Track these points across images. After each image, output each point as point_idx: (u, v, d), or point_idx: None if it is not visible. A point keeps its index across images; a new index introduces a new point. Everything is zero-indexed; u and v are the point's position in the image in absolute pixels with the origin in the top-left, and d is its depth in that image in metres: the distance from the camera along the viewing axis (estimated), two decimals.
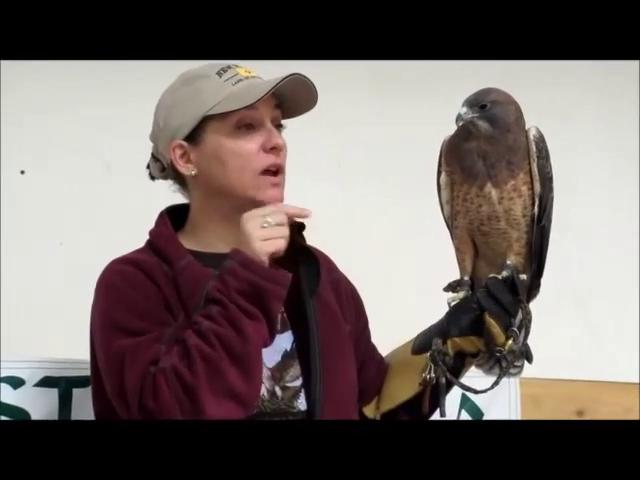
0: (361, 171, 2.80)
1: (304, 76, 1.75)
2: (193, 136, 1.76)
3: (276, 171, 1.76)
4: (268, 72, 1.81)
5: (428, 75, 2.88)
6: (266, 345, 1.65)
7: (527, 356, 1.84)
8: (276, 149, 1.76)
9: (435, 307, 2.46)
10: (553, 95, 2.87)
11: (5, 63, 2.45)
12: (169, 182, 1.86)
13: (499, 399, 2.58)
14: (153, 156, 1.85)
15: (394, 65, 2.77)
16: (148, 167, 1.88)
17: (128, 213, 2.55)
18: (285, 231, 1.66)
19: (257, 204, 1.74)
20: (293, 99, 1.77)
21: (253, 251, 1.63)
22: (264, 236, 1.64)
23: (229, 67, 1.79)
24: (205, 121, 1.75)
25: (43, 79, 2.61)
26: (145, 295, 1.70)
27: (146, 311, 1.68)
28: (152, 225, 1.84)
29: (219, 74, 1.77)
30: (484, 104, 1.74)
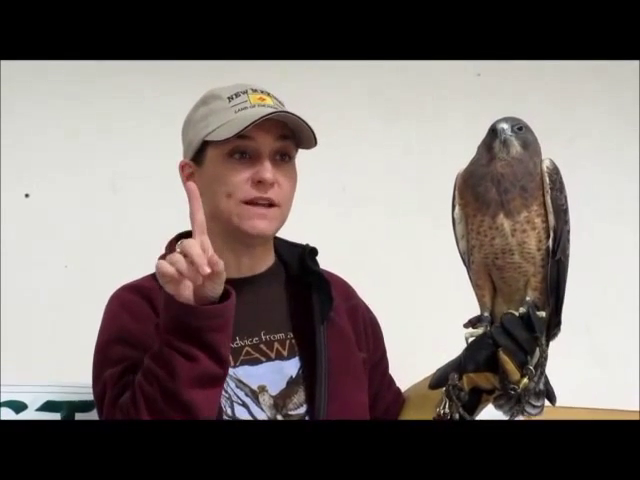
0: (366, 195, 2.78)
1: (295, 114, 1.73)
2: (197, 157, 1.79)
3: (269, 204, 1.75)
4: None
5: (431, 97, 2.88)
6: (219, 376, 1.61)
7: (549, 396, 1.83)
8: (262, 183, 1.74)
9: (436, 335, 2.43)
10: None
11: (5, 63, 2.46)
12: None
13: None
14: None
15: (397, 87, 2.78)
16: None
17: (133, 235, 2.55)
18: (189, 278, 1.58)
19: (242, 233, 1.75)
20: (300, 133, 1.77)
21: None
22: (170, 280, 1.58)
23: (245, 92, 1.78)
24: (206, 145, 1.77)
25: (44, 85, 2.63)
26: (145, 325, 1.69)
27: (140, 341, 1.68)
28: (156, 246, 1.83)
29: (230, 98, 1.78)
30: (520, 127, 1.75)
